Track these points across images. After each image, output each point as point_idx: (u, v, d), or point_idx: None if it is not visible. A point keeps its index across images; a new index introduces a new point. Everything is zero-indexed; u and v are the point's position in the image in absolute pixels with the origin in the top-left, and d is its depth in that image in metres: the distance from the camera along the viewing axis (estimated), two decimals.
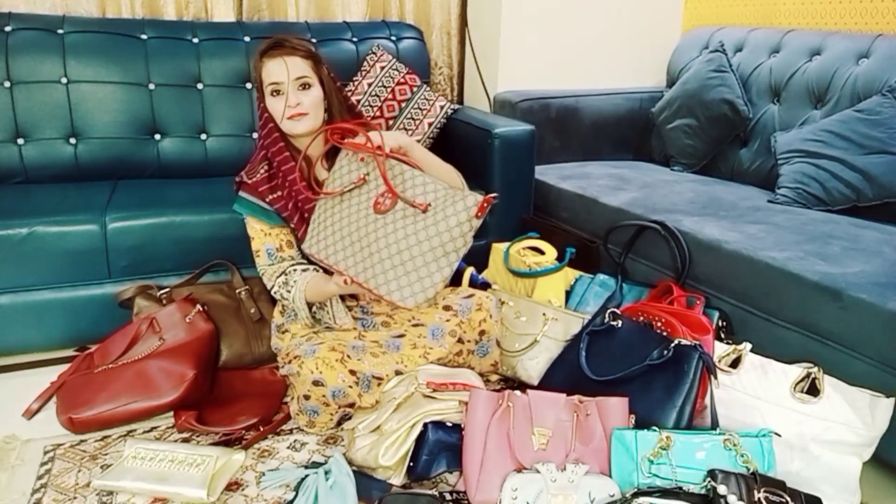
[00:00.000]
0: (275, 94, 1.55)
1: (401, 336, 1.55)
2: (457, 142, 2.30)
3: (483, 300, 1.60)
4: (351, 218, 1.46)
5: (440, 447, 1.34)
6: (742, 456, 1.23)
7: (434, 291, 1.39)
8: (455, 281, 1.90)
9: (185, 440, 1.48)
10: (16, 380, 1.70)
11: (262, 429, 1.49)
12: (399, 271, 1.39)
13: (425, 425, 1.35)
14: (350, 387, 1.44)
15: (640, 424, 1.32)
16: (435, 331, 1.54)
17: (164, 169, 2.14)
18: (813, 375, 1.35)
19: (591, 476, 1.25)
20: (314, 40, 2.29)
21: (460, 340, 1.57)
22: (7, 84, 1.96)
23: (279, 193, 1.57)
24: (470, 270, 1.92)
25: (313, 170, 1.61)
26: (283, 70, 1.52)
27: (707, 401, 1.36)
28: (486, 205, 1.36)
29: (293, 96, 1.53)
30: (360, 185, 1.48)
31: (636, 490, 1.20)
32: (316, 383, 1.43)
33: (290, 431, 1.53)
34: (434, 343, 1.53)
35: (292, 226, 1.57)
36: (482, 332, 1.59)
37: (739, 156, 2.31)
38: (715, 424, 1.33)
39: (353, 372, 1.45)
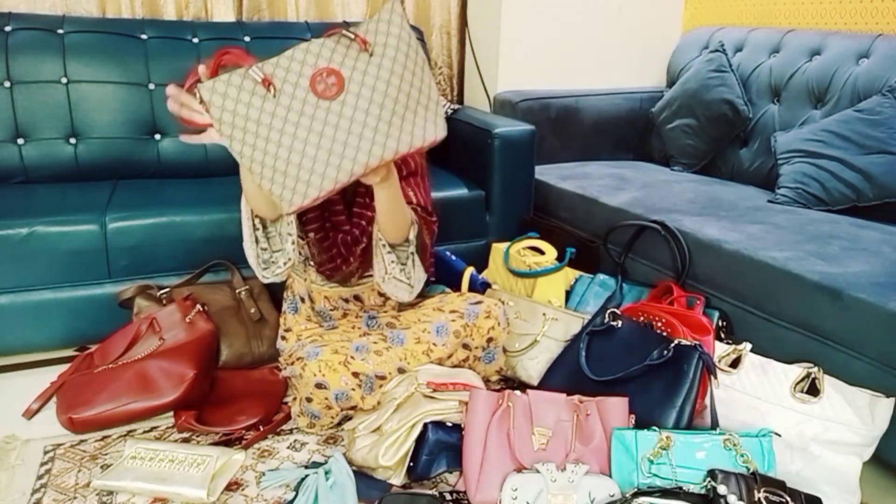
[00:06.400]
0: None
1: (405, 329, 1.55)
2: (457, 142, 2.30)
3: (492, 307, 1.58)
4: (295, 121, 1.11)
5: (440, 447, 1.34)
6: (742, 456, 1.23)
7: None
8: (455, 282, 1.91)
9: (185, 440, 1.48)
10: (16, 380, 1.70)
11: (262, 429, 1.49)
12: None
13: (425, 425, 1.35)
14: (353, 389, 1.44)
15: (640, 424, 1.32)
16: (440, 328, 1.54)
17: (164, 169, 2.14)
18: (813, 375, 1.35)
19: (591, 476, 1.25)
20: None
21: (467, 347, 1.57)
22: (7, 84, 1.96)
23: None
24: (470, 270, 1.92)
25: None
26: None
27: (707, 401, 1.36)
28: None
29: None
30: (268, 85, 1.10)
31: (636, 490, 1.20)
32: (319, 386, 1.42)
33: (290, 431, 1.53)
34: (438, 339, 1.52)
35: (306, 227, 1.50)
36: (490, 340, 1.59)
37: (739, 156, 2.31)
38: (715, 424, 1.33)
39: (356, 374, 1.44)
